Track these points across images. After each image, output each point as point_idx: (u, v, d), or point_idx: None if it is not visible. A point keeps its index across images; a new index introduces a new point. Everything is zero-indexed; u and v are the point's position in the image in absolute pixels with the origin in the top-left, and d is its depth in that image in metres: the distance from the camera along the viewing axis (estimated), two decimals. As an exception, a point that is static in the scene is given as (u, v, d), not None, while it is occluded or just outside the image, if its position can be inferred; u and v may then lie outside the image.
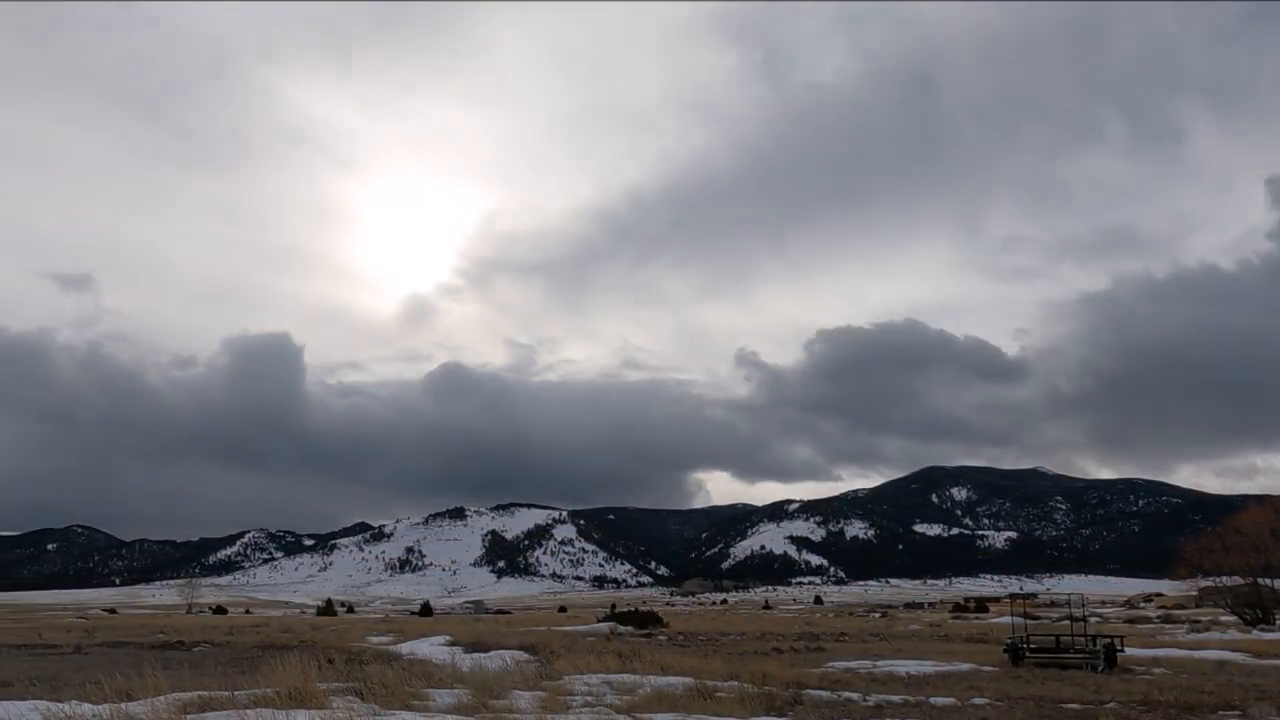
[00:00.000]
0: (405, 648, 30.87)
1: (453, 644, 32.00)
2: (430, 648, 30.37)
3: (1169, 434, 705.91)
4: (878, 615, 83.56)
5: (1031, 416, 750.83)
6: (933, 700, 15.66)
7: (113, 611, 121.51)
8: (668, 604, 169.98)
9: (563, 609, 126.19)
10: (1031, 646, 24.59)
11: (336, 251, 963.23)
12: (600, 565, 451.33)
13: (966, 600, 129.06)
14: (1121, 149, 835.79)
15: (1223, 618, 55.51)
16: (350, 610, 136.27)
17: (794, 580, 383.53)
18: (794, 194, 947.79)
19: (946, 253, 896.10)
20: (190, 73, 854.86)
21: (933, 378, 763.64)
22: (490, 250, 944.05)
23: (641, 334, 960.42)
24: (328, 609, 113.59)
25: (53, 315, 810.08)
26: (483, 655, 23.98)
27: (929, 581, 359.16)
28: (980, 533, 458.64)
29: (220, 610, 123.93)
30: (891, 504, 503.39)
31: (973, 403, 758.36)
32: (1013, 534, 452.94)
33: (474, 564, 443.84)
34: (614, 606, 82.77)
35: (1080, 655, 23.24)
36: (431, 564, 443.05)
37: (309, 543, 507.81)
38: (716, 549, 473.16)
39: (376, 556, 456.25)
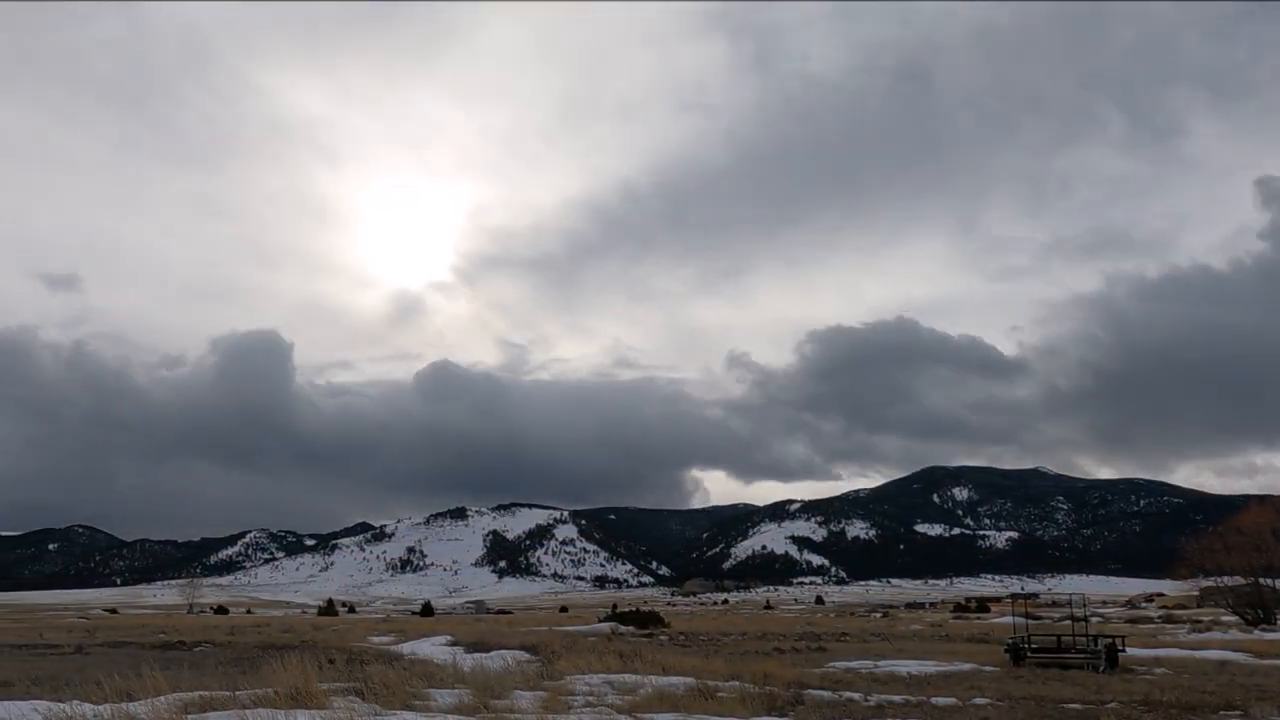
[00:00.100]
0: (406, 648, 30.87)
1: (454, 644, 32.02)
2: (431, 648, 30.38)
3: (1169, 433, 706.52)
4: (879, 615, 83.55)
5: (1030, 416, 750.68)
6: (934, 700, 15.65)
7: (114, 611, 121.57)
8: (669, 604, 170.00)
9: (564, 609, 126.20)
10: (1033, 646, 24.58)
11: (324, 248, 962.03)
12: (601, 565, 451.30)
13: (968, 600, 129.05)
14: (1119, 144, 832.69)
15: (1224, 618, 55.48)
16: (351, 610, 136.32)
17: (795, 580, 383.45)
18: (789, 189, 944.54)
19: (943, 249, 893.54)
20: (174, 68, 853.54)
21: (931, 376, 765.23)
22: (481, 246, 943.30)
23: (634, 331, 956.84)
24: (329, 609, 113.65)
25: (39, 314, 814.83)
26: (484, 655, 23.98)
27: (930, 581, 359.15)
28: (981, 533, 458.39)
29: (221, 610, 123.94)
30: (893, 504, 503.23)
31: (972, 402, 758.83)
32: (1014, 534, 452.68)
33: (475, 564, 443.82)
34: (615, 606, 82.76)
35: (1081, 655, 23.23)
36: (433, 564, 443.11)
37: (310, 543, 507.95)
38: (718, 549, 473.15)
39: (378, 556, 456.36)
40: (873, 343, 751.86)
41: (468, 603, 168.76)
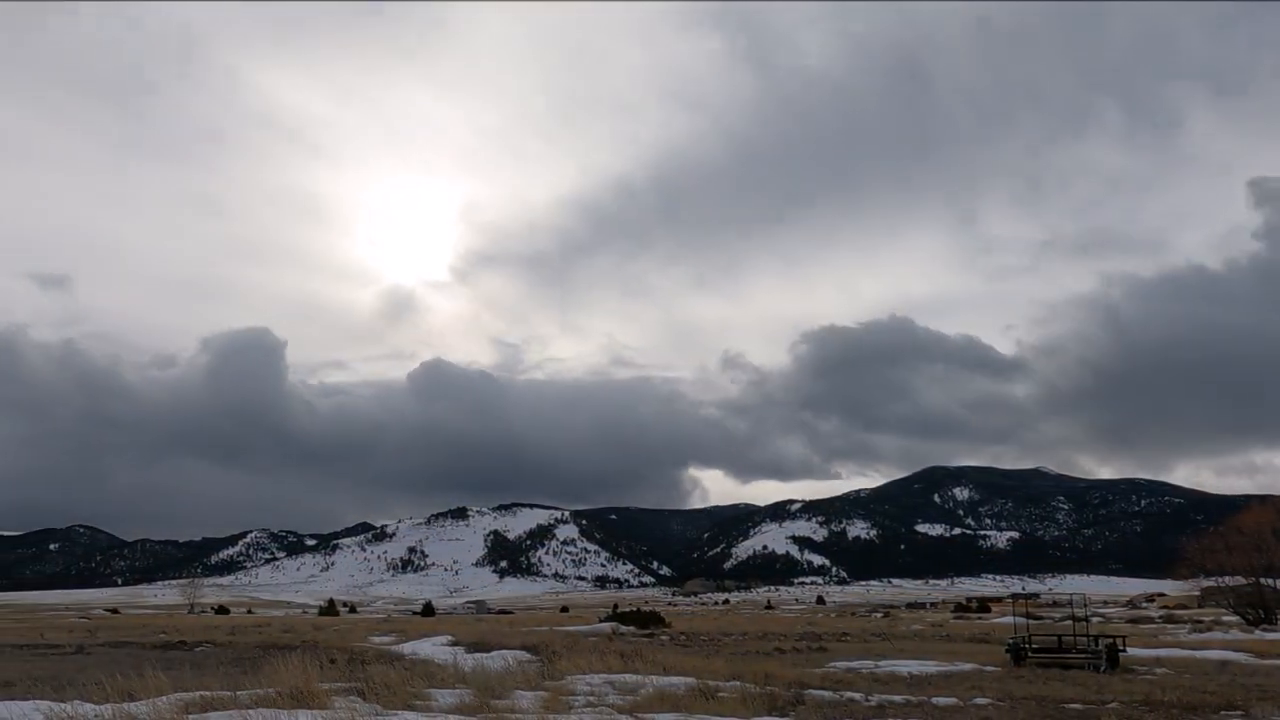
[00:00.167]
0: (407, 648, 30.88)
1: (455, 644, 32.03)
2: (432, 648, 30.39)
3: (1169, 432, 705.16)
4: (880, 615, 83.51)
5: (1029, 415, 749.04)
6: (935, 700, 15.66)
7: (115, 611, 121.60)
8: (670, 604, 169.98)
9: (565, 609, 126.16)
10: (1034, 646, 24.59)
11: (316, 246, 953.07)
12: (602, 565, 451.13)
13: (968, 600, 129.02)
14: (1118, 139, 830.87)
15: (1225, 618, 55.48)
16: (352, 610, 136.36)
17: (796, 580, 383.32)
18: (784, 184, 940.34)
19: (941, 246, 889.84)
20: (166, 66, 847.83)
21: (928, 375, 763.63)
22: (473, 243, 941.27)
23: (630, 328, 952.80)
24: (330, 609, 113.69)
25: (30, 312, 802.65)
26: (485, 655, 24.00)
27: (931, 581, 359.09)
28: (982, 533, 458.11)
29: (222, 610, 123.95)
30: (893, 504, 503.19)
31: (971, 400, 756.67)
32: (1015, 534, 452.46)
33: (476, 564, 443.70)
34: (616, 606, 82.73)
35: (1082, 655, 23.24)
36: (434, 564, 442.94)
37: (311, 543, 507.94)
38: (718, 549, 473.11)
39: (379, 556, 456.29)
40: (874, 340, 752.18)
41: (468, 603, 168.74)
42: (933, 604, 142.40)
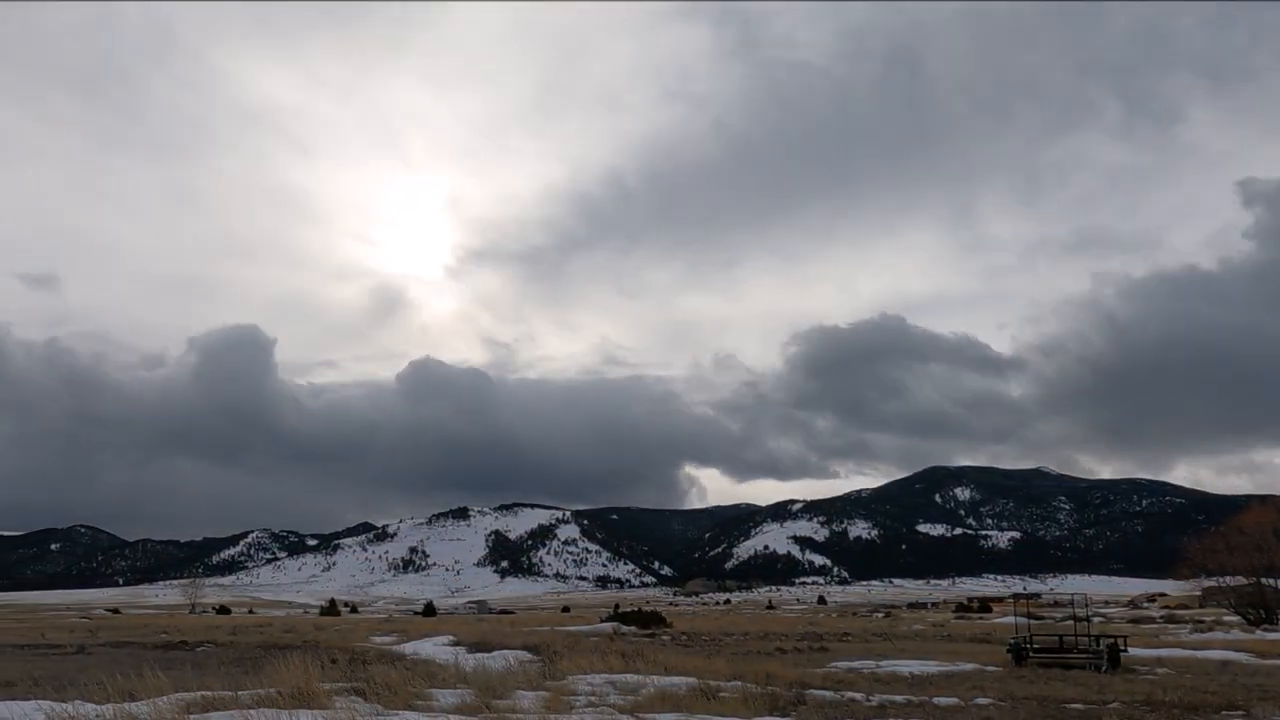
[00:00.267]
0: (409, 648, 30.89)
1: (456, 644, 32.04)
2: (434, 648, 30.40)
3: (1169, 431, 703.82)
4: (881, 615, 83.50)
5: (1028, 414, 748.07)
6: (936, 700, 15.65)
7: (116, 611, 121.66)
8: (671, 604, 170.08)
9: (566, 609, 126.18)
10: (1035, 646, 24.58)
11: (304, 242, 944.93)
12: (604, 565, 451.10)
13: (970, 600, 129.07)
14: (1116, 132, 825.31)
15: (1226, 618, 55.46)
16: (354, 610, 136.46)
17: (797, 580, 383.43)
18: (778, 179, 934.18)
19: (937, 242, 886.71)
20: (148, 61, 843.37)
21: (924, 373, 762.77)
22: (464, 239, 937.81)
23: (622, 325, 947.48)
24: (331, 609, 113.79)
25: (15, 311, 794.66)
26: (486, 655, 23.99)
27: (932, 581, 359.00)
28: (983, 533, 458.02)
29: (223, 610, 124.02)
30: (895, 504, 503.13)
31: (966, 399, 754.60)
32: (1016, 534, 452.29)
33: (477, 564, 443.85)
34: (617, 606, 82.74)
35: (1084, 655, 23.23)
36: (435, 564, 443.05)
37: (312, 543, 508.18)
38: (720, 549, 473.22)
39: (380, 556, 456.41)
40: (872, 338, 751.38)
41: (470, 603, 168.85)
42: (934, 604, 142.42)
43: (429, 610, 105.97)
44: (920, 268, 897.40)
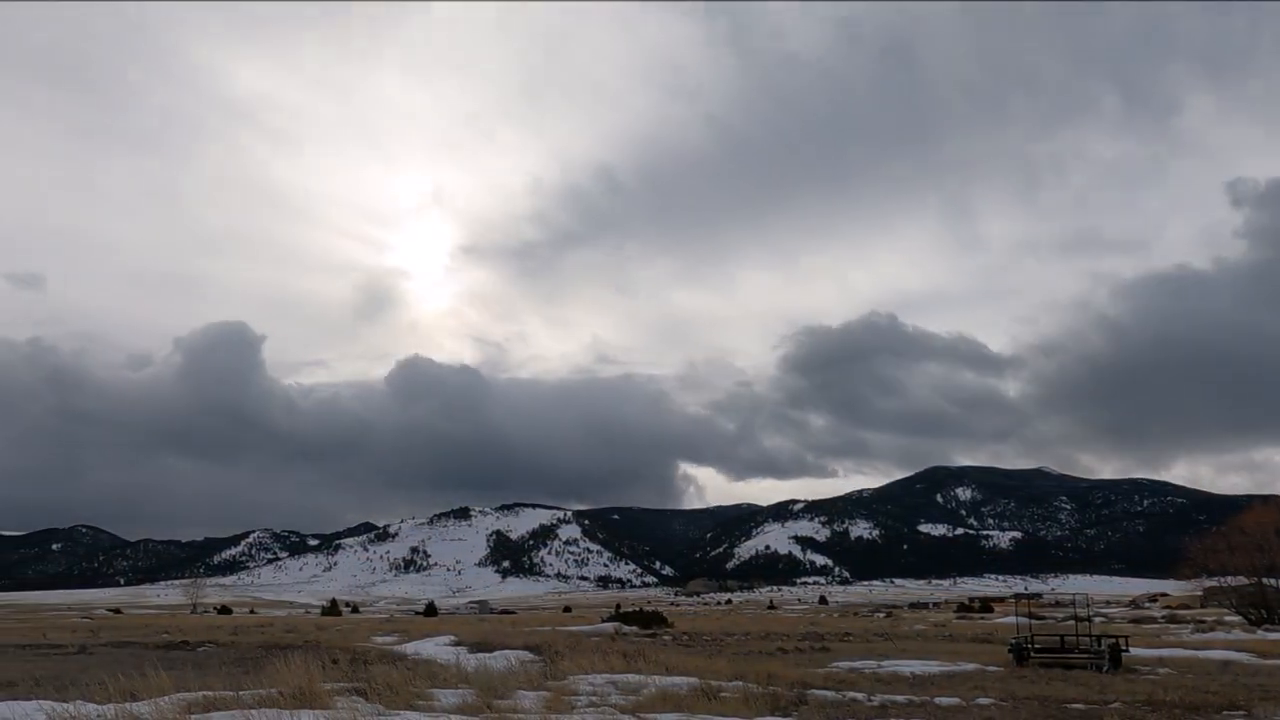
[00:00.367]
0: (410, 648, 30.90)
1: (457, 644, 32.05)
2: (435, 648, 30.41)
3: (1169, 429, 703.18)
4: (882, 615, 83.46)
5: (1026, 413, 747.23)
6: (937, 700, 15.65)
7: (117, 611, 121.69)
8: (672, 604, 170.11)
9: (567, 609, 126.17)
10: (1036, 646, 24.58)
11: (289, 238, 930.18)
12: (605, 565, 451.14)
13: (971, 600, 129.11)
14: (1114, 125, 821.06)
15: (1227, 618, 55.41)
16: (355, 610, 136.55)
17: (799, 580, 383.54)
18: (772, 174, 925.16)
19: (933, 237, 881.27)
20: (128, 54, 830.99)
21: (922, 371, 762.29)
22: (454, 235, 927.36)
23: (615, 321, 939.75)
24: (332, 609, 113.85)
25: (4, 312, 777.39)
26: (487, 655, 23.99)
27: (934, 581, 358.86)
28: (985, 533, 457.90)
29: (225, 610, 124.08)
30: (896, 504, 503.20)
31: (967, 398, 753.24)
32: (1017, 534, 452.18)
33: (479, 564, 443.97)
34: (619, 606, 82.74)
35: (1085, 655, 23.23)
36: (436, 564, 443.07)
37: (313, 543, 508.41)
38: (721, 549, 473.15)
39: (381, 556, 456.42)
40: (869, 336, 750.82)
41: (471, 603, 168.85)
42: (935, 604, 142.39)
43: (430, 610, 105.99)
44: (916, 264, 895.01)
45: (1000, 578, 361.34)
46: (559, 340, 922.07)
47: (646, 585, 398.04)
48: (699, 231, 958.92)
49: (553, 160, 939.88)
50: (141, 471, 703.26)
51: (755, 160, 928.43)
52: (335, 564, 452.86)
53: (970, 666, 22.77)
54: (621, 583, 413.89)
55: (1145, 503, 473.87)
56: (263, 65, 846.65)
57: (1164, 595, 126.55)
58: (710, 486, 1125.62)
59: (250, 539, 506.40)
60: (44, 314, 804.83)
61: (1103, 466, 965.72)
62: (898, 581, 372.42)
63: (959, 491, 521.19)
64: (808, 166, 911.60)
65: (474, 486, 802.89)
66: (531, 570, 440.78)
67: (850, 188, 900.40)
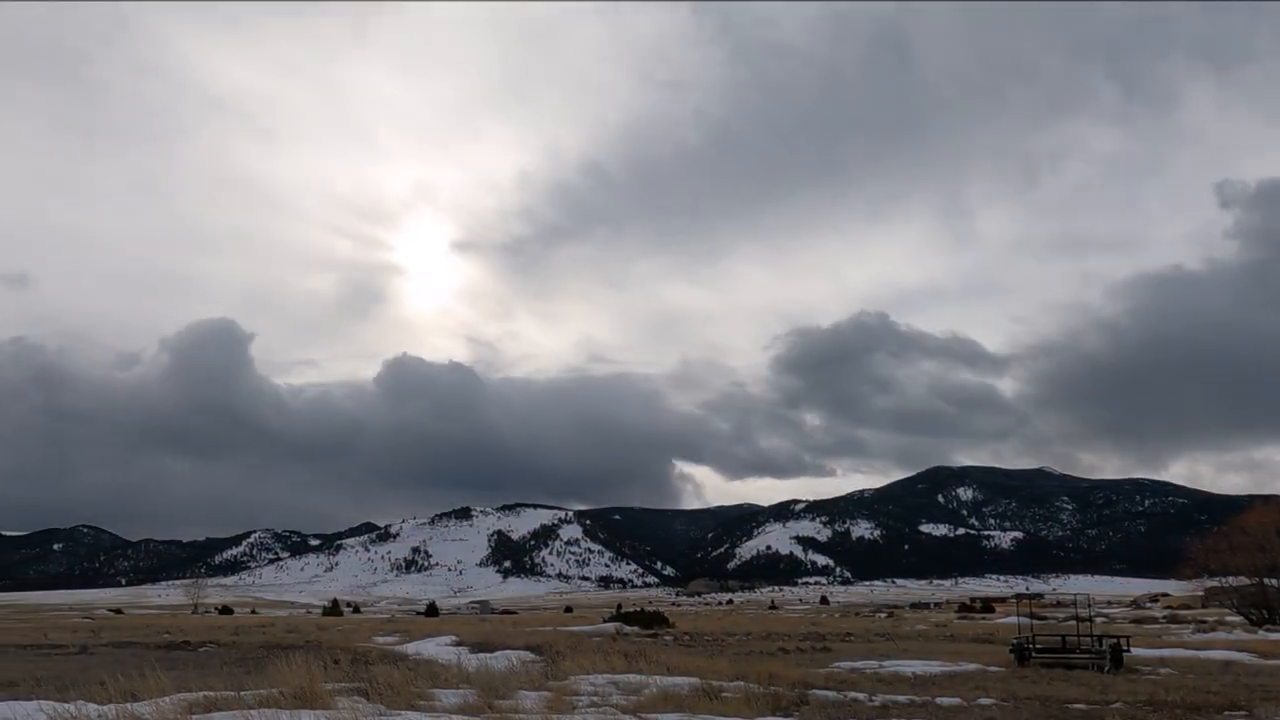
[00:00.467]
0: (411, 648, 30.91)
1: (459, 644, 32.06)
2: (436, 648, 30.42)
3: (1169, 429, 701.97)
4: (884, 615, 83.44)
5: (1025, 412, 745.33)
6: (939, 700, 15.64)
7: (118, 611, 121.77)
8: (674, 604, 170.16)
9: (569, 609, 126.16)
10: (1037, 647, 24.56)
11: (274, 234, 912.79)
12: (606, 565, 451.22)
13: (972, 600, 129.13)
14: (1112, 117, 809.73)
15: (1229, 618, 55.39)
16: (356, 610, 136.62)
17: (800, 580, 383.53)
18: (763, 168, 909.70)
19: (928, 232, 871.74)
20: (105, 46, 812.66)
21: (918, 370, 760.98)
22: (444, 231, 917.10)
23: (607, 319, 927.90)
24: (333, 609, 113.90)
25: None
26: (489, 655, 23.99)
27: (935, 582, 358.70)
28: (986, 533, 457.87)
29: (226, 610, 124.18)
30: (897, 504, 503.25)
31: (964, 397, 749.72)
32: (1019, 534, 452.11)
33: (480, 564, 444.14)
34: (620, 607, 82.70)
35: (1086, 655, 23.22)
36: (437, 564, 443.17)
37: (315, 543, 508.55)
38: (722, 549, 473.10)
39: (382, 557, 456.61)
40: (867, 335, 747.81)
41: (472, 603, 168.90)
42: (937, 604, 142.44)
43: (431, 610, 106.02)
44: (911, 258, 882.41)
45: (1001, 578, 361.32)
46: (550, 337, 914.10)
47: (648, 585, 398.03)
48: (690, 226, 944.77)
49: (539, 154, 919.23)
50: (135, 471, 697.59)
51: (747, 154, 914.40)
52: (337, 564, 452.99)
53: (972, 667, 22.76)
54: (623, 583, 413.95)
55: (1146, 503, 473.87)
56: (249, 61, 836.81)
57: (1165, 595, 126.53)
58: (708, 485, 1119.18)
59: (251, 539, 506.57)
60: (30, 313, 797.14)
61: (1104, 466, 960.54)
62: (899, 582, 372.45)
63: (960, 491, 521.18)
64: (800, 160, 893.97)
65: (471, 486, 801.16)
66: (533, 570, 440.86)
67: (843, 180, 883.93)
